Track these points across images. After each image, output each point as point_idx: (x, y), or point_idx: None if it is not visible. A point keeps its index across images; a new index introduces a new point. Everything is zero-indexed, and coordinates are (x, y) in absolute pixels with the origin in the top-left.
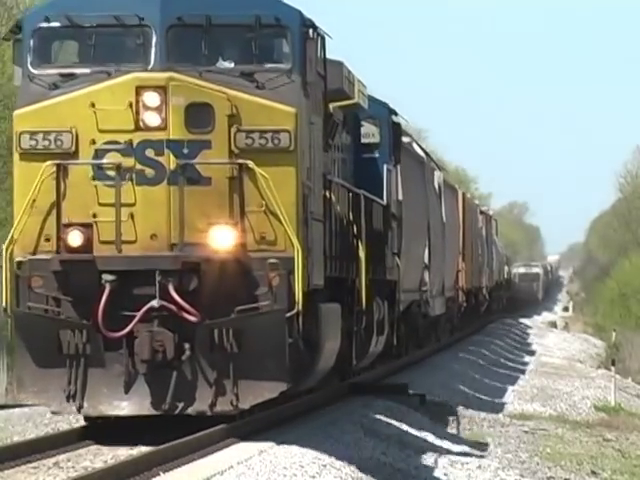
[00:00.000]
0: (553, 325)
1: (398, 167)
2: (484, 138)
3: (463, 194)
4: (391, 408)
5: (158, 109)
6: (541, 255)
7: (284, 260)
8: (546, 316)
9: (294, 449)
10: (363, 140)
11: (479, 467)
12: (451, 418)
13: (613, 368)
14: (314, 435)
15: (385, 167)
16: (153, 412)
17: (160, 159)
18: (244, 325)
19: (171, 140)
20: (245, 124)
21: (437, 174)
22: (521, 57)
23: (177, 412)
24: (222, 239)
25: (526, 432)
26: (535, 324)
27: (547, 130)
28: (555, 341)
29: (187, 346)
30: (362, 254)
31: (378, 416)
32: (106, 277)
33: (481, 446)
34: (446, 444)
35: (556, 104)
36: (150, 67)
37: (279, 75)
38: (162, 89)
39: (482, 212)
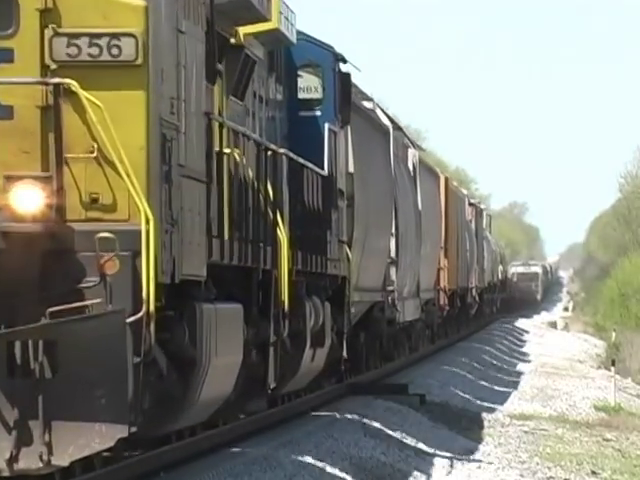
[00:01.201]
0: (553, 325)
1: (348, 130)
2: (484, 138)
3: (446, 179)
4: (391, 408)
5: None
6: (541, 255)
7: (126, 234)
8: (545, 316)
9: None
10: (301, 95)
11: (479, 467)
12: (451, 418)
13: (613, 368)
14: (314, 435)
15: (327, 127)
16: None
17: None
18: (61, 335)
19: None
20: (67, 24)
21: (412, 152)
22: (521, 57)
23: None
24: (28, 201)
25: (526, 432)
26: (535, 324)
27: (547, 130)
28: (555, 341)
29: None
30: (283, 236)
31: (378, 416)
32: None
33: (481, 446)
34: (446, 444)
35: (556, 104)
36: None
37: None
38: None
39: (472, 204)
